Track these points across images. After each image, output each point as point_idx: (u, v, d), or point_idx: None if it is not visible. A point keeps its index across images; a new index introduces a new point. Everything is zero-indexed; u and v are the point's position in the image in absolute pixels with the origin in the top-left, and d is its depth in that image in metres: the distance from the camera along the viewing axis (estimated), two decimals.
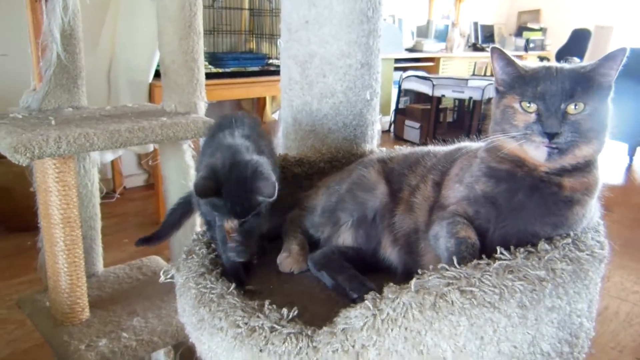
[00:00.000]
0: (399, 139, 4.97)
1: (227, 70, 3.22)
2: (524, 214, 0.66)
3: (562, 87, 0.65)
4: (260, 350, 0.58)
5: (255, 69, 3.30)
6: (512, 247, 0.62)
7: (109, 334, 1.30)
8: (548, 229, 0.66)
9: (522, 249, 0.61)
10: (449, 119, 5.38)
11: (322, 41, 1.00)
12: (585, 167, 0.67)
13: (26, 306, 1.43)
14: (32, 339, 1.88)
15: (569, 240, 0.63)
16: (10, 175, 2.49)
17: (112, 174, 3.34)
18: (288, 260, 0.79)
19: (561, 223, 0.66)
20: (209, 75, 3.09)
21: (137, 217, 3.06)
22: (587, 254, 0.63)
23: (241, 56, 3.31)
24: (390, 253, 0.79)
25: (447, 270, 0.58)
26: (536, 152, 0.66)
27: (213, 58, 3.19)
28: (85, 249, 1.45)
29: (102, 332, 1.31)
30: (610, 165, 4.60)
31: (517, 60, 0.70)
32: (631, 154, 4.30)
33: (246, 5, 3.39)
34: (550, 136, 0.64)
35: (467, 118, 5.02)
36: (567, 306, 0.60)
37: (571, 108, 0.65)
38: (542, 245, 0.62)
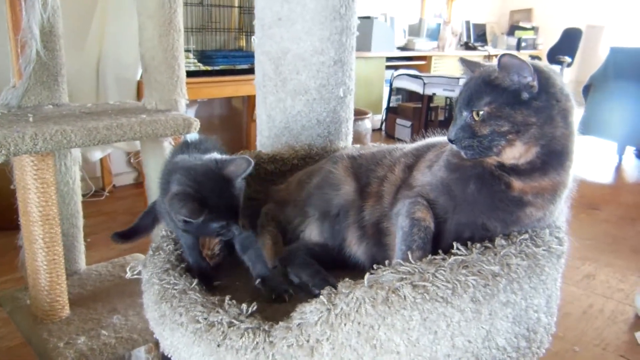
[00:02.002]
0: (390, 137, 4.98)
1: (217, 68, 3.22)
2: (475, 206, 0.67)
3: (465, 96, 0.69)
4: (218, 345, 0.59)
5: (245, 66, 3.30)
6: (469, 243, 0.62)
7: (89, 332, 1.30)
8: (498, 224, 0.67)
9: (478, 245, 0.62)
10: (440, 117, 5.39)
11: (295, 38, 1.00)
12: (543, 170, 0.67)
13: (7, 304, 1.43)
14: (17, 337, 1.86)
15: (527, 236, 0.64)
16: None
17: (101, 172, 3.34)
18: None
19: (512, 221, 0.67)
20: (198, 73, 3.11)
21: (126, 216, 3.06)
22: (544, 250, 0.63)
23: (230, 54, 3.31)
24: (357, 250, 0.80)
25: (401, 265, 0.58)
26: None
27: (202, 56, 3.18)
28: (67, 247, 1.46)
29: (82, 329, 1.31)
30: (600, 163, 4.62)
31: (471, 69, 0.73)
32: (620, 152, 4.31)
33: (236, 3, 3.39)
34: (451, 141, 0.68)
35: None
36: (523, 301, 0.61)
37: (468, 115, 0.67)
38: (499, 240, 0.63)
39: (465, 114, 0.68)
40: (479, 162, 0.68)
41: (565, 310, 2.24)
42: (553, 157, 0.66)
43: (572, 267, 2.63)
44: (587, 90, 4.37)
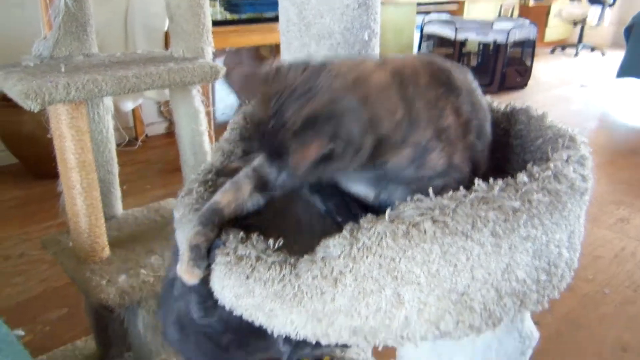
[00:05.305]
0: None
1: (244, 16, 3.19)
2: None
3: None
4: (247, 277, 0.62)
5: (272, 14, 3.26)
6: (491, 180, 0.63)
7: (128, 271, 1.37)
8: None
9: (500, 182, 0.62)
10: (473, 63, 5.24)
11: None
12: None
13: (51, 246, 1.52)
14: (63, 278, 1.99)
15: (549, 172, 0.64)
16: (36, 124, 2.57)
17: (133, 123, 3.41)
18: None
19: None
20: (224, 22, 3.10)
21: (159, 164, 3.15)
22: (567, 187, 0.63)
23: (257, 1, 3.26)
24: None
25: (422, 201, 0.60)
26: None
27: (228, 4, 3.15)
28: (104, 193, 1.52)
29: (122, 269, 1.38)
30: None
31: None
32: None
33: None
34: None
35: (492, 62, 4.88)
36: (544, 236, 0.62)
37: None
38: (521, 177, 0.63)
39: None
40: None
41: (596, 254, 2.24)
42: None
43: (606, 211, 2.61)
44: (628, 31, 4.17)
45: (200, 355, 0.86)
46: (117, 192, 1.64)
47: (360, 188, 0.73)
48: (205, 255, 0.67)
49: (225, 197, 0.71)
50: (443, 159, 0.66)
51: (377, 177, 0.68)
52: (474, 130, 0.72)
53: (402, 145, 0.63)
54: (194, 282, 0.67)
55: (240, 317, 0.66)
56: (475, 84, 0.76)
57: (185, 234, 0.72)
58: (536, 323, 0.79)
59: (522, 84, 5.11)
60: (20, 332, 1.72)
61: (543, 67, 6.05)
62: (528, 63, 5.17)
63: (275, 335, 0.64)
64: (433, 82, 0.69)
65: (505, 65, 4.83)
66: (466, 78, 0.74)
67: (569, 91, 5.10)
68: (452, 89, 0.70)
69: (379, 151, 0.62)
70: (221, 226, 0.70)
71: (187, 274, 0.67)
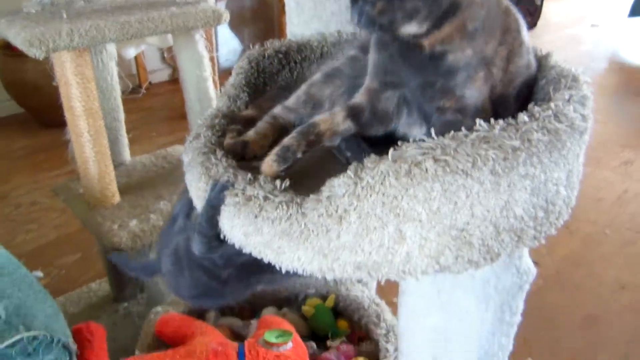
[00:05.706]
0: None
1: None
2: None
3: None
4: (256, 217, 0.65)
5: None
6: (492, 120, 0.64)
7: (139, 216, 1.41)
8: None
9: (501, 121, 0.63)
10: None
11: None
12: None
13: (62, 193, 1.55)
14: (74, 225, 2.05)
15: (550, 112, 0.65)
16: (40, 73, 2.57)
17: (136, 70, 3.39)
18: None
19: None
20: None
21: (164, 111, 3.16)
22: (567, 126, 0.64)
23: None
24: None
25: (424, 141, 0.61)
26: None
27: None
28: (111, 140, 1.54)
29: (132, 214, 1.42)
30: None
31: None
32: None
33: None
34: None
35: None
36: (542, 174, 0.63)
37: None
38: (522, 117, 0.64)
39: None
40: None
41: (599, 196, 2.26)
42: None
43: (611, 153, 2.60)
44: None
45: (192, 287, 0.89)
46: (124, 139, 1.66)
47: (415, 124, 0.74)
48: (290, 158, 0.70)
49: (321, 117, 0.74)
50: (485, 87, 0.67)
51: (429, 84, 0.69)
52: (515, 87, 0.72)
53: (468, 39, 0.64)
54: (268, 174, 0.70)
55: (243, 257, 0.69)
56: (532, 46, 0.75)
57: (194, 177, 0.75)
58: (536, 263, 0.82)
59: (532, 24, 4.98)
60: (39, 274, 1.79)
61: (554, 6, 5.88)
62: (538, 2, 5.02)
63: (283, 271, 0.67)
64: (509, 12, 0.69)
65: (514, 5, 4.69)
66: (529, 37, 0.74)
67: (579, 31, 4.98)
68: (518, 32, 0.70)
69: (451, 25, 0.62)
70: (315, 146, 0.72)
71: (267, 165, 0.70)
